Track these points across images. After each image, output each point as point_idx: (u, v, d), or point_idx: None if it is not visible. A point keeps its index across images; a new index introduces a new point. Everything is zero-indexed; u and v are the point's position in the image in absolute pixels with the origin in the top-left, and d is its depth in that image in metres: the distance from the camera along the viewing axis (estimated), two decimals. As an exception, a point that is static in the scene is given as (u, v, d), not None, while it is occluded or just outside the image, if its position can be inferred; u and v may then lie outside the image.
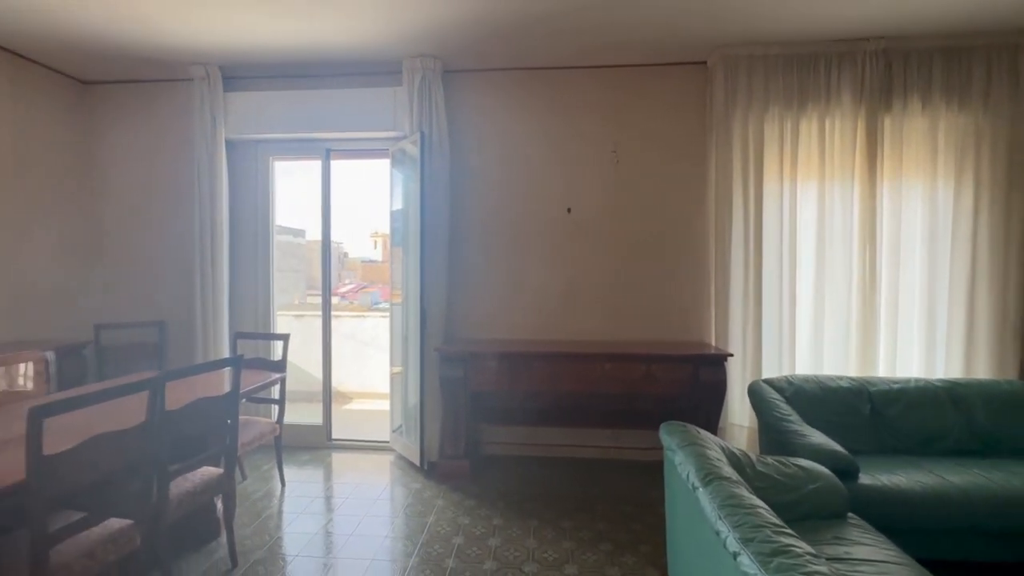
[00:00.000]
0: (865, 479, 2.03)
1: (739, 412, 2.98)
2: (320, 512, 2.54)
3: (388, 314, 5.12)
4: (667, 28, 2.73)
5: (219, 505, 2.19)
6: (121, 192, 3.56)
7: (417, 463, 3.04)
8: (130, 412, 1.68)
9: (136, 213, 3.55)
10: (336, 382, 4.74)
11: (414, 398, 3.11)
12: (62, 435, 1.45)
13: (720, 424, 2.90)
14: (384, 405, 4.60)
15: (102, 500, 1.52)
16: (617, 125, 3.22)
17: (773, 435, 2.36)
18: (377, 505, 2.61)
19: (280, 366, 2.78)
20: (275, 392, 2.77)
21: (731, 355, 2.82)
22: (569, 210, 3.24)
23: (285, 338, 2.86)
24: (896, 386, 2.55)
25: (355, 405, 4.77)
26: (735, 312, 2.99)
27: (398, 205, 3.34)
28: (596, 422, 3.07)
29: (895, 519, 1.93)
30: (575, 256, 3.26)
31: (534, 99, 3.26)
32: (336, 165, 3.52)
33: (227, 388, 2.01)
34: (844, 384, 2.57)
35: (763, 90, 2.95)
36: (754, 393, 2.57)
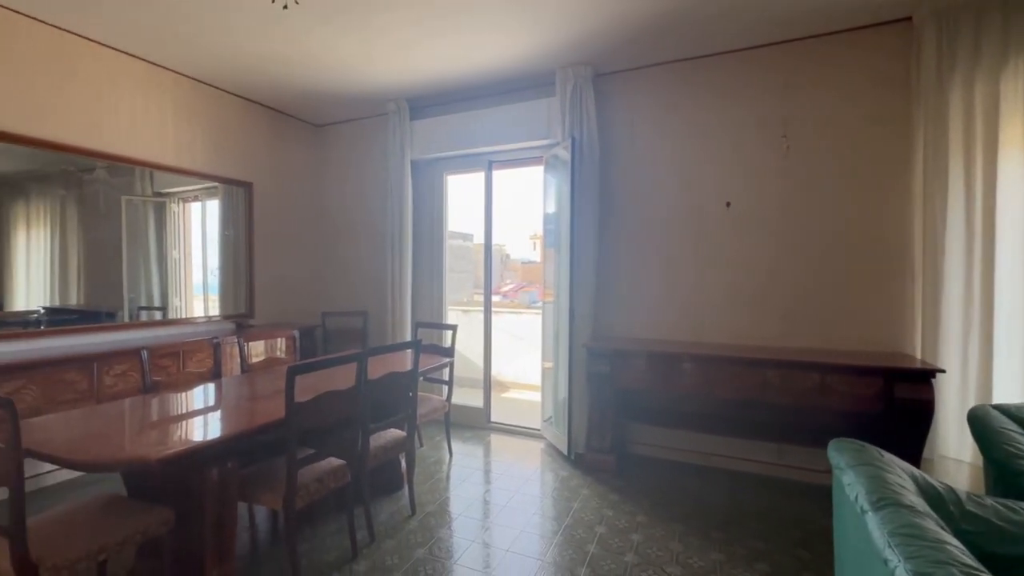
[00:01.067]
0: None
1: (955, 443, 2.42)
2: (479, 483, 2.87)
3: (541, 311, 5.44)
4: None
5: (402, 462, 2.66)
6: (340, 208, 4.52)
7: (565, 452, 3.20)
8: (342, 378, 2.18)
9: (348, 224, 4.47)
10: (495, 371, 5.20)
11: (563, 392, 3.27)
12: (302, 390, 1.97)
13: (925, 455, 2.39)
14: (536, 396, 4.90)
15: (327, 441, 2.01)
16: (787, 107, 2.89)
17: (1005, 475, 1.87)
18: (528, 485, 2.84)
19: (449, 352, 3.22)
20: (445, 374, 3.22)
21: (942, 371, 2.31)
22: (728, 204, 3.03)
23: (454, 328, 3.30)
24: None
25: (511, 394, 5.17)
26: (950, 320, 2.43)
27: (551, 209, 3.54)
28: (757, 434, 2.81)
29: None
30: (735, 254, 3.03)
31: (686, 91, 3.13)
32: (497, 175, 3.89)
33: (409, 366, 2.44)
34: None
35: (999, 39, 2.34)
36: (978, 420, 2.06)
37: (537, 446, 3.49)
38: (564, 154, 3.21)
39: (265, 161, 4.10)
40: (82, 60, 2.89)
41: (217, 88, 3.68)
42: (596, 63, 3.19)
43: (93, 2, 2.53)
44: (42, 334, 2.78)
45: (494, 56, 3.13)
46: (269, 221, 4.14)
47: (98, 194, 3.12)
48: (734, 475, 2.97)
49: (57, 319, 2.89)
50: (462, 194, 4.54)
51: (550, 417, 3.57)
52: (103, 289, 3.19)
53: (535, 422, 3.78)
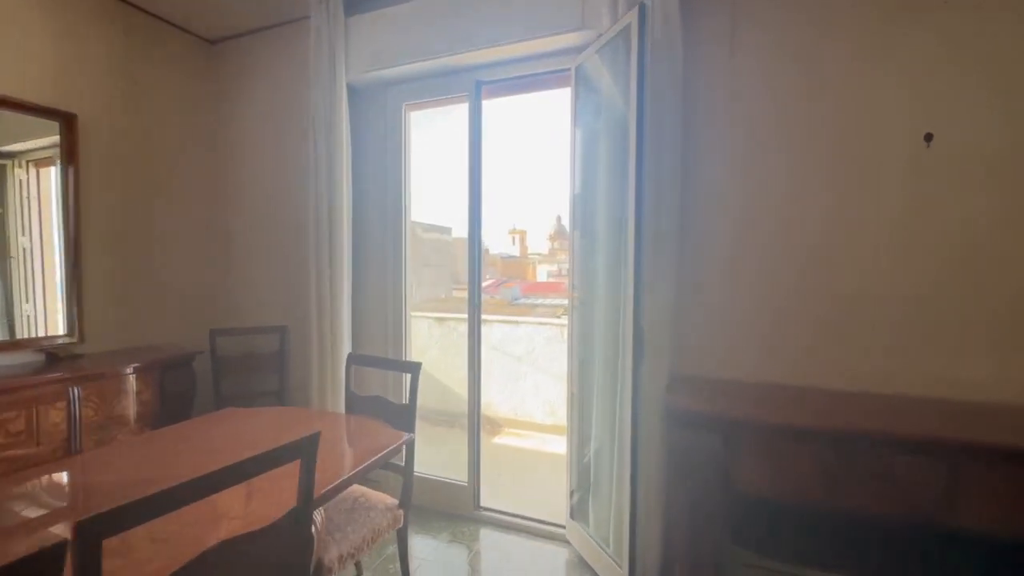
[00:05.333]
0: None
1: None
2: None
3: (542, 322, 4.02)
4: None
5: None
6: (245, 167, 2.95)
7: (620, 589, 1.77)
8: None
9: (260, 194, 2.91)
10: (483, 404, 3.74)
11: (598, 442, 1.85)
12: None
13: None
14: (543, 443, 3.48)
15: None
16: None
17: None
18: None
19: (406, 418, 1.74)
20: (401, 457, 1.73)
21: None
22: (929, 138, 1.65)
23: (414, 370, 1.78)
24: None
25: (505, 439, 3.69)
26: None
27: (583, 150, 2.10)
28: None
29: None
30: (947, 225, 1.63)
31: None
32: (488, 116, 2.37)
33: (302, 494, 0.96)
34: None
35: None
36: None
37: (560, 557, 2.06)
38: (602, 69, 1.77)
39: (112, 86, 2.51)
40: None
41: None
42: None
43: None
44: None
45: None
46: (120, 184, 2.55)
47: None
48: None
49: None
50: (432, 159, 3.06)
51: (574, 498, 2.13)
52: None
53: (546, 487, 2.32)
